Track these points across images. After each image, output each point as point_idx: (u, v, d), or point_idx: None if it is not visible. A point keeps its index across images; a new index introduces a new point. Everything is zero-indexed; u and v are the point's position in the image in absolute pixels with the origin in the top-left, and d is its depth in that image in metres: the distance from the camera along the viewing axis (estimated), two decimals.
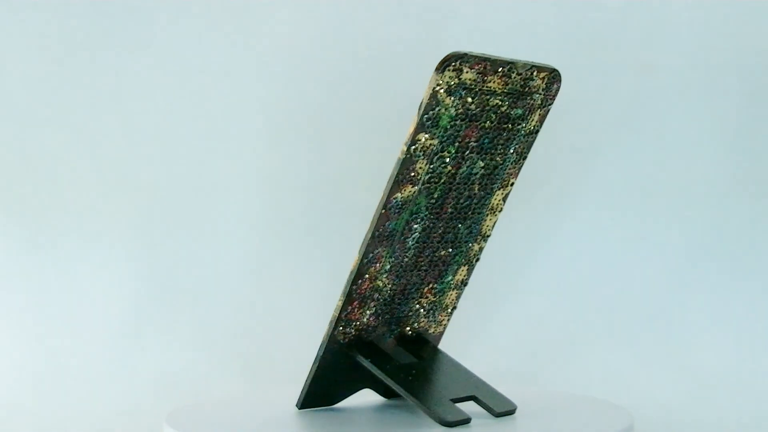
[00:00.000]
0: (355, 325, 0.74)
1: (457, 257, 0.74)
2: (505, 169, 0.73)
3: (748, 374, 1.03)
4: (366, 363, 0.73)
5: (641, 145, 1.06)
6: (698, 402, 1.02)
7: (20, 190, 1.07)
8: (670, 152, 1.05)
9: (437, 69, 0.67)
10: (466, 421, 0.70)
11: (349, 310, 0.73)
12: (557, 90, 0.72)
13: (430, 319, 0.76)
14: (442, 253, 0.74)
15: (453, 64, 0.67)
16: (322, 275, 1.05)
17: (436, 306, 0.76)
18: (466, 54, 0.68)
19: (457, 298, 0.76)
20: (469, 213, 0.73)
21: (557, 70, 0.71)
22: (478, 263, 0.76)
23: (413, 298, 0.75)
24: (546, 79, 0.71)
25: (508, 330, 1.04)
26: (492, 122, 0.70)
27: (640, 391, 1.02)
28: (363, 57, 1.06)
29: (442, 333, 0.77)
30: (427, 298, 0.75)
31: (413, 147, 0.69)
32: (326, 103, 1.07)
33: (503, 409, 0.72)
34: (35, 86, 1.07)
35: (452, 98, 0.68)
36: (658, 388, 1.03)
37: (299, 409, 0.76)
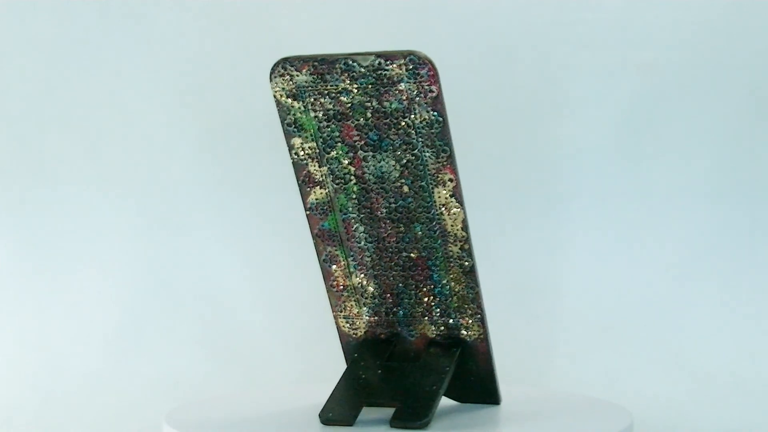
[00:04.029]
0: (360, 323, 0.75)
1: (435, 259, 0.73)
2: (427, 166, 0.70)
3: (748, 374, 1.03)
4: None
5: (640, 145, 1.06)
6: (698, 402, 1.02)
7: (20, 190, 1.07)
8: (670, 152, 1.05)
9: (269, 77, 0.69)
10: (343, 423, 0.70)
11: (342, 307, 0.75)
12: (430, 73, 0.68)
13: (452, 322, 0.74)
14: (413, 255, 0.73)
15: (278, 69, 0.69)
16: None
17: (447, 309, 0.74)
18: (287, 58, 0.69)
19: (473, 301, 0.73)
20: (416, 214, 0.72)
21: (413, 53, 0.67)
22: (476, 264, 0.73)
23: (409, 299, 0.74)
24: (406, 66, 0.68)
25: (508, 330, 1.04)
26: (366, 119, 0.69)
27: (640, 391, 1.02)
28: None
29: (481, 338, 0.74)
30: (423, 299, 0.74)
31: (293, 152, 0.71)
32: None
33: (402, 421, 0.70)
34: (35, 86, 1.07)
35: (298, 102, 0.70)
36: (658, 388, 1.03)
37: None
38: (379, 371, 0.74)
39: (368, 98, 0.69)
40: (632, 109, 1.05)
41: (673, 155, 1.05)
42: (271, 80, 0.70)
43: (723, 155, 1.05)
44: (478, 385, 0.76)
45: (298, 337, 1.06)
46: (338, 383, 0.74)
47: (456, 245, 0.72)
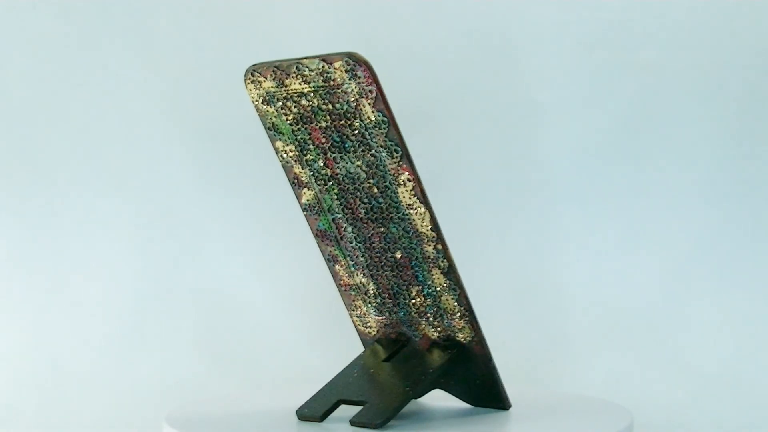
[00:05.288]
0: (371, 322, 0.76)
1: (416, 260, 0.73)
2: (385, 167, 0.70)
3: (748, 374, 1.03)
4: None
5: (640, 145, 1.06)
6: (698, 402, 1.02)
7: (20, 190, 1.07)
8: (669, 152, 1.05)
9: (244, 85, 0.71)
10: (312, 419, 0.72)
11: (353, 306, 0.76)
12: (367, 73, 0.67)
13: (445, 324, 0.74)
14: (398, 255, 0.73)
15: (248, 77, 0.71)
16: (323, 275, 1.05)
17: (438, 310, 0.74)
18: (254, 65, 0.71)
19: (459, 303, 0.72)
20: (389, 214, 0.72)
21: (350, 54, 0.67)
22: (454, 265, 0.72)
23: (405, 300, 0.74)
24: (344, 68, 0.68)
25: (508, 330, 1.04)
26: (327, 122, 0.70)
27: (640, 391, 1.02)
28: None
29: (475, 340, 0.73)
30: (416, 300, 0.74)
31: (278, 154, 0.73)
32: None
33: (361, 420, 0.70)
34: (35, 86, 1.07)
35: (271, 107, 0.71)
36: (658, 388, 1.03)
37: None
38: (372, 370, 0.74)
39: (323, 101, 0.69)
40: (631, 109, 1.05)
41: (673, 155, 1.05)
42: (246, 87, 0.71)
43: (723, 155, 1.05)
44: (485, 389, 0.75)
45: (298, 337, 1.06)
46: (329, 381, 0.74)
47: (429, 245, 0.72)
